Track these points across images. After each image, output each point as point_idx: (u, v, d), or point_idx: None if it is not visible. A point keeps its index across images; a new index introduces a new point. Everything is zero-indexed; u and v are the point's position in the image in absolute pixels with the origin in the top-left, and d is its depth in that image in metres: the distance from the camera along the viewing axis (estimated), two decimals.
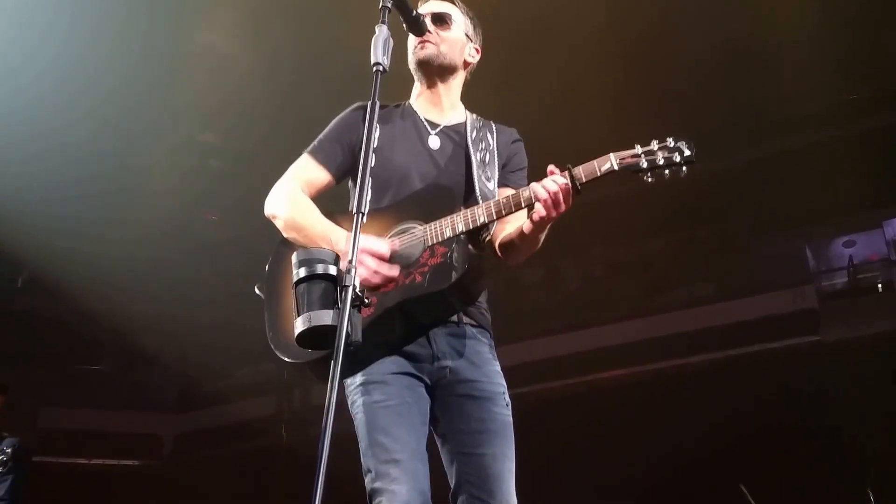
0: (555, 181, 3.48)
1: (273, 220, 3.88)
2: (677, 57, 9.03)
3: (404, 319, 3.59)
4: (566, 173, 3.50)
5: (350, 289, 2.84)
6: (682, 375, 10.85)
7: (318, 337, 2.91)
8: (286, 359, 3.59)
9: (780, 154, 10.52)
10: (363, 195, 3.02)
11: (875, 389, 9.31)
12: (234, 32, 8.64)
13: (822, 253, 11.12)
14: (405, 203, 3.79)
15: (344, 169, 3.95)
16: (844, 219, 10.95)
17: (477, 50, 4.20)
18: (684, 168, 3.52)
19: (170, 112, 9.51)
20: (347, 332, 2.76)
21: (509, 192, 3.74)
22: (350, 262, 2.91)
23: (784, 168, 10.38)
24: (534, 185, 3.53)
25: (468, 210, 3.61)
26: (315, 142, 4.00)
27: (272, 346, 3.66)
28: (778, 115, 9.98)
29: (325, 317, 2.88)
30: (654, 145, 3.52)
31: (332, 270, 2.97)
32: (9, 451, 7.43)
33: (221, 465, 13.50)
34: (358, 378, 3.64)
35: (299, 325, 2.94)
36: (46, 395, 13.61)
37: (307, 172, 3.93)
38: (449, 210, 3.64)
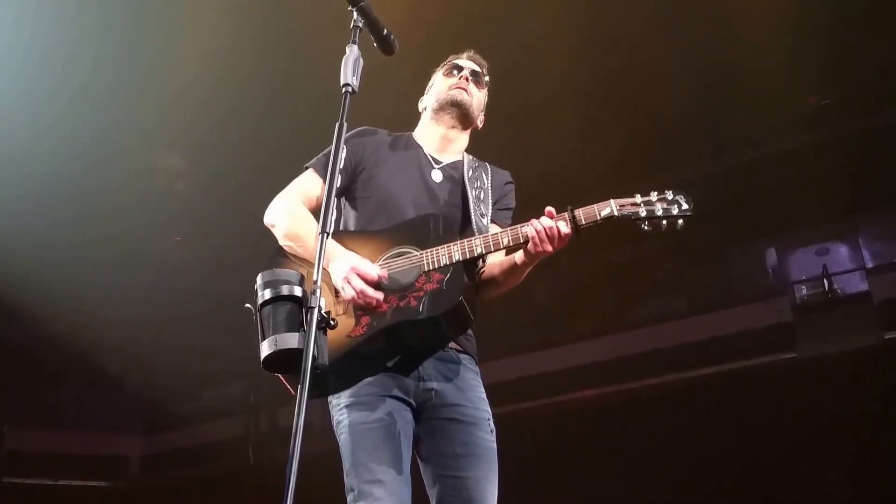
0: (555, 223, 3.55)
1: (272, 229, 3.93)
2: (647, 67, 9.06)
3: (396, 342, 3.61)
4: (566, 216, 3.57)
5: (315, 310, 2.81)
6: (655, 395, 10.80)
7: (285, 360, 2.91)
8: (281, 375, 3.54)
9: (750, 162, 10.52)
10: (328, 215, 3.03)
11: (851, 404, 9.35)
12: (202, 57, 8.61)
13: (795, 263, 11.10)
14: (403, 227, 3.81)
15: (343, 187, 3.99)
16: (818, 227, 10.90)
17: (482, 120, 4.35)
18: (681, 221, 3.61)
19: (136, 136, 9.46)
20: (314, 355, 2.74)
21: (497, 230, 3.81)
22: (315, 282, 2.88)
23: (754, 176, 10.39)
24: (534, 221, 3.58)
25: (466, 240, 3.64)
26: (319, 157, 4.04)
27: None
28: (748, 122, 9.98)
29: (291, 340, 2.89)
30: (653, 196, 3.63)
31: (298, 291, 3.00)
32: None
33: (188, 486, 13.43)
34: (343, 398, 3.63)
35: (265, 349, 2.96)
36: (13, 417, 13.49)
37: (308, 187, 3.99)
38: (445, 239, 3.67)
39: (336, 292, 3.60)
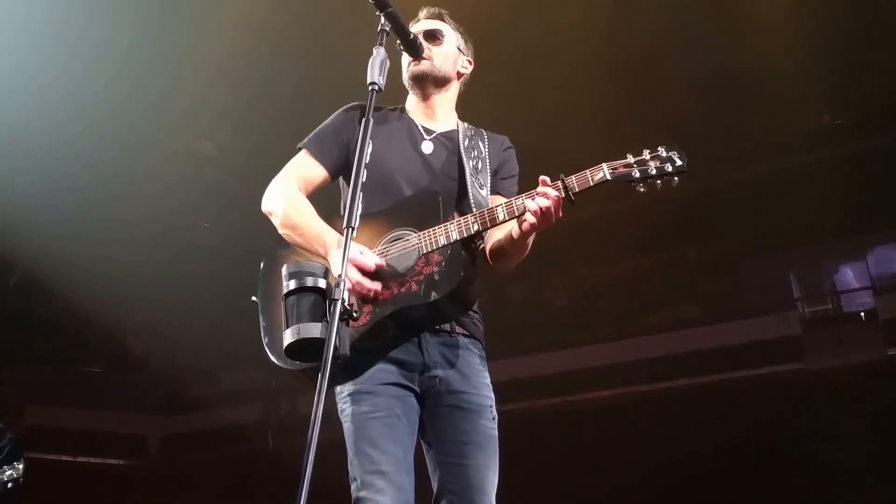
0: (547, 194, 3.49)
1: (269, 217, 3.88)
2: (668, 81, 9.07)
3: (398, 328, 3.60)
4: (559, 184, 3.51)
5: (339, 302, 2.87)
6: (666, 398, 10.86)
7: (307, 349, 2.96)
8: (281, 365, 3.56)
9: (767, 177, 10.54)
10: (354, 210, 3.06)
11: (857, 417, 9.39)
12: (235, 44, 8.66)
13: (806, 279, 11.14)
14: (399, 208, 3.79)
15: (339, 166, 3.95)
16: (830, 244, 10.96)
17: (470, 62, 4.24)
18: (676, 178, 3.56)
19: (168, 120, 9.53)
20: (335, 345, 2.80)
21: (500, 199, 3.76)
22: (339, 276, 2.94)
23: (770, 192, 10.41)
24: (527, 195, 3.55)
25: (462, 218, 3.61)
26: (311, 137, 4.01)
27: (267, 351, 3.64)
28: (765, 138, 10.00)
29: (314, 329, 2.93)
30: (646, 155, 3.54)
31: (322, 283, 3.02)
32: (10, 436, 7.49)
33: (206, 468, 13.50)
34: (348, 387, 3.63)
35: (288, 337, 2.99)
36: (34, 393, 13.61)
37: (304, 169, 3.95)
38: (442, 217, 3.64)
39: None
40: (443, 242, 3.57)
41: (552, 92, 8.93)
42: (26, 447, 12.66)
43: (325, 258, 3.57)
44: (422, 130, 4.06)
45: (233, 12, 8.41)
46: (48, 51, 8.59)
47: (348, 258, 3.36)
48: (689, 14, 8.42)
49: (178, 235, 11.07)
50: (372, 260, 3.56)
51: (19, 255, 11.06)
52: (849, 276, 10.98)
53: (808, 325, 10.84)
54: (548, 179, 3.53)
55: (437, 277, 3.53)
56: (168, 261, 11.15)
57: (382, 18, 3.43)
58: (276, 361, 3.59)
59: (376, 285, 3.53)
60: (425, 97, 4.11)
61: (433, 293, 3.51)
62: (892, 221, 10.38)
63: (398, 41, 3.71)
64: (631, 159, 3.55)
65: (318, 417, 2.70)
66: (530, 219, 3.49)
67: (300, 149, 4.00)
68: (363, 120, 3.27)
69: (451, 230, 3.58)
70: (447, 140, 4.04)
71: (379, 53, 3.34)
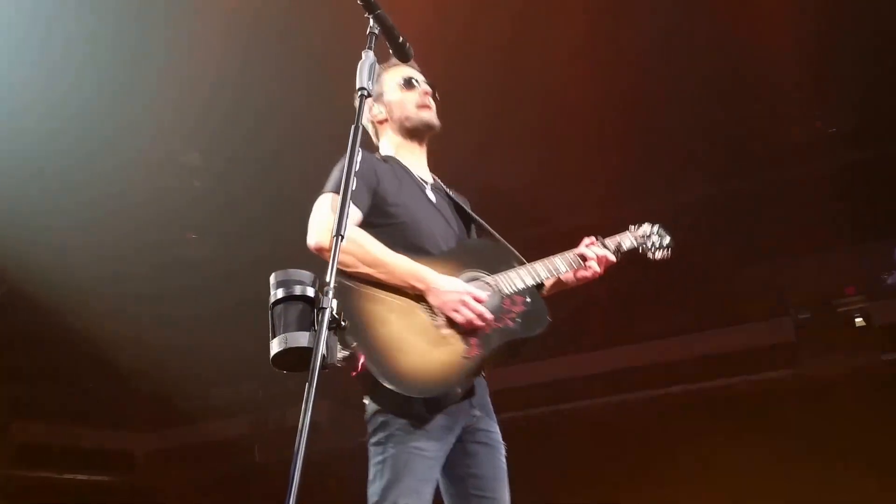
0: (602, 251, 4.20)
1: (322, 252, 3.62)
2: (657, 87, 9.04)
3: (496, 362, 3.80)
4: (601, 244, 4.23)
5: (326, 311, 2.83)
6: (659, 406, 10.87)
7: (294, 359, 2.93)
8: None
9: (760, 185, 10.55)
10: (343, 219, 2.99)
11: (851, 423, 9.41)
12: (221, 55, 8.61)
13: (800, 285, 11.15)
14: (459, 252, 3.96)
15: (368, 207, 3.87)
16: (824, 251, 10.96)
17: None
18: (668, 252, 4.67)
19: (153, 131, 9.47)
20: (323, 355, 2.75)
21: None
22: (328, 283, 2.87)
23: (763, 199, 10.43)
24: (576, 250, 4.19)
25: (529, 265, 3.97)
26: (334, 181, 3.83)
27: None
28: (758, 146, 10.00)
29: (301, 339, 2.91)
30: (641, 230, 4.54)
31: (310, 292, 3.01)
32: None
33: (193, 483, 13.46)
34: (411, 416, 3.59)
35: (275, 347, 2.96)
36: (19, 409, 13.51)
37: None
38: (507, 259, 3.98)
39: (431, 311, 3.64)
40: (521, 286, 3.85)
41: (547, 108, 8.87)
42: (14, 465, 12.62)
43: (424, 293, 3.63)
44: (419, 179, 4.14)
45: (218, 19, 8.35)
46: (25, 64, 8.49)
47: (466, 291, 3.67)
48: (681, 21, 8.39)
49: (165, 248, 11.00)
50: (483, 294, 3.68)
51: (4, 271, 10.96)
52: (843, 282, 10.98)
53: (801, 331, 10.86)
54: (595, 240, 4.26)
55: (530, 315, 3.80)
56: (155, 273, 11.07)
57: (371, 21, 3.40)
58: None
59: (491, 316, 3.65)
60: (422, 144, 4.24)
61: (532, 329, 3.78)
62: (886, 228, 10.39)
63: (389, 48, 3.68)
64: (637, 231, 4.59)
65: (306, 427, 2.65)
66: (593, 267, 4.16)
67: (325, 193, 3.82)
68: (353, 127, 3.21)
69: (524, 275, 3.90)
70: (438, 189, 4.19)
71: (368, 58, 3.33)
